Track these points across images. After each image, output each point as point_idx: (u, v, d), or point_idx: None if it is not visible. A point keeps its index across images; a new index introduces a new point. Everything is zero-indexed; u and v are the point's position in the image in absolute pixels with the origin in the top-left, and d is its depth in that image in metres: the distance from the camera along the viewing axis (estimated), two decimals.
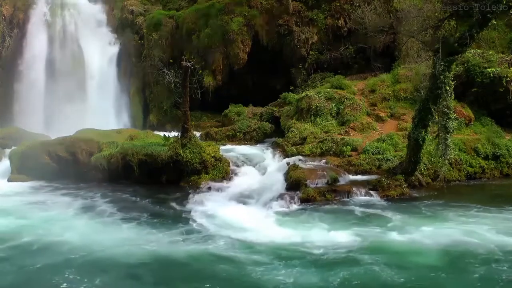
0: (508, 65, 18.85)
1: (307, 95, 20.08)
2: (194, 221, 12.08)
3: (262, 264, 9.21)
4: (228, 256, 9.61)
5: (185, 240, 10.69)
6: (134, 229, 11.57)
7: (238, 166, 16.83)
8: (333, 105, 19.69)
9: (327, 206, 13.10)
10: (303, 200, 13.56)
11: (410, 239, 10.39)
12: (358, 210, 12.71)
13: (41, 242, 10.47)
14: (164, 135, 18.18)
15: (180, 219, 12.33)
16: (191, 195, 14.37)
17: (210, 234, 11.01)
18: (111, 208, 13.33)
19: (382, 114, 19.29)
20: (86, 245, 10.24)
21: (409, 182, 14.56)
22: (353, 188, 14.16)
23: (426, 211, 12.48)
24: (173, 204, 13.75)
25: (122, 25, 28.96)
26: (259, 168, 16.60)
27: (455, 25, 13.10)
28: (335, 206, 13.10)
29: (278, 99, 22.86)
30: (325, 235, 10.74)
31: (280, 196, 13.81)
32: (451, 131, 13.30)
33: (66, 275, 8.72)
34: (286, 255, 9.60)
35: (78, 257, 9.59)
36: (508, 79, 17.93)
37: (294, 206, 13.27)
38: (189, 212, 12.88)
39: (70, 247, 10.15)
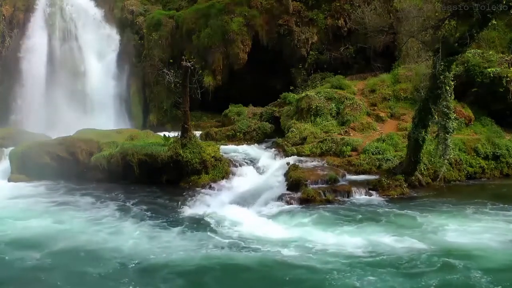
0: (508, 65, 18.84)
1: (307, 95, 20.08)
2: (194, 222, 12.09)
3: (263, 262, 9.23)
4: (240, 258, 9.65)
5: (185, 239, 10.70)
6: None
7: (238, 166, 16.82)
8: (333, 105, 19.68)
9: (327, 206, 13.07)
10: (303, 200, 13.55)
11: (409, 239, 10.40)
12: (358, 210, 12.68)
13: (88, 246, 10.29)
14: (164, 135, 18.19)
15: (181, 220, 12.34)
16: (190, 195, 14.40)
17: (210, 235, 11.01)
18: (141, 210, 13.30)
19: (382, 114, 19.28)
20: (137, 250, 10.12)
21: (409, 182, 14.57)
22: (353, 188, 14.16)
23: (425, 210, 12.46)
24: (175, 204, 13.77)
25: (122, 25, 28.94)
26: (259, 168, 16.60)
27: (455, 25, 13.08)
28: (335, 206, 13.08)
29: (278, 99, 22.86)
30: (324, 235, 10.73)
31: (280, 196, 13.81)
32: (451, 131, 13.29)
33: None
34: (286, 254, 9.64)
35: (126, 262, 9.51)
36: (508, 79, 17.92)
37: (294, 206, 13.25)
38: (189, 212, 12.90)
39: (117, 250, 10.05)
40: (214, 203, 13.48)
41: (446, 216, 11.90)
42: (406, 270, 8.82)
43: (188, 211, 13.03)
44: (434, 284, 8.25)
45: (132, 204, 13.84)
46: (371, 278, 8.51)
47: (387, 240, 10.36)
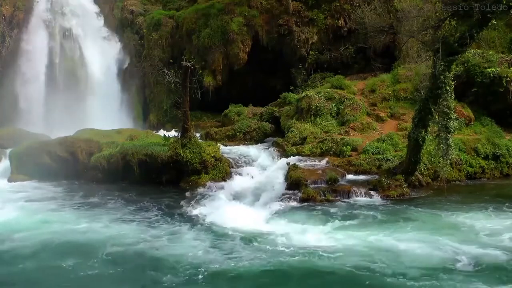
0: (508, 65, 18.84)
1: (307, 95, 20.08)
2: (194, 222, 12.08)
3: (263, 260, 9.21)
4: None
5: (185, 240, 10.70)
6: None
7: (238, 166, 16.83)
8: (333, 105, 19.68)
9: (327, 206, 13.06)
10: (303, 200, 13.56)
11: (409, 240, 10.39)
12: (358, 210, 12.66)
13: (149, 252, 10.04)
14: (164, 135, 18.21)
15: (181, 221, 12.33)
16: (190, 196, 14.39)
17: (211, 235, 10.99)
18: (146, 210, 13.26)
19: (382, 114, 19.28)
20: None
21: (409, 182, 14.56)
22: (353, 188, 14.15)
23: (425, 211, 12.48)
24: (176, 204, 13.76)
25: (122, 25, 28.98)
26: (259, 168, 16.60)
27: (455, 25, 13.07)
28: (335, 206, 13.06)
29: (278, 99, 22.86)
30: (324, 235, 10.73)
31: (280, 196, 13.81)
32: (452, 131, 13.28)
33: None
34: (287, 254, 9.63)
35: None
36: (508, 79, 17.92)
37: (294, 206, 13.25)
38: (188, 212, 12.90)
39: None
40: (214, 203, 13.46)
41: (457, 215, 11.94)
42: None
43: (188, 211, 13.01)
44: None
45: (135, 204, 13.81)
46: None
47: (386, 239, 10.34)
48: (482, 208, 12.46)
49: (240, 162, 17.17)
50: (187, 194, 14.63)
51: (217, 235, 10.96)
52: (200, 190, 15.00)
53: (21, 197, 14.85)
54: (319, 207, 12.97)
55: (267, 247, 10.07)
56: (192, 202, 13.67)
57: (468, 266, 8.88)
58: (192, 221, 12.08)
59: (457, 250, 9.60)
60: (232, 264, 9.21)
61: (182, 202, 13.77)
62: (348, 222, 11.67)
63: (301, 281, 8.62)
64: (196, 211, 12.92)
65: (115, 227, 11.71)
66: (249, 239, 10.53)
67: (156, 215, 12.71)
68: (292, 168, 15.20)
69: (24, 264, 9.45)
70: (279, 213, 12.61)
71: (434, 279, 8.30)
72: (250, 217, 12.11)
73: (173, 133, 18.64)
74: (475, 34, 12.79)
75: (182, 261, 9.38)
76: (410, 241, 10.17)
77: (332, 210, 12.72)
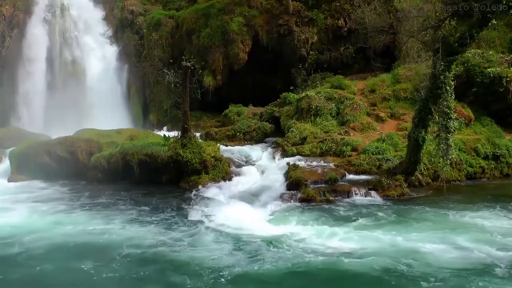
0: (508, 65, 18.84)
1: (307, 95, 20.08)
2: (194, 222, 12.07)
3: (286, 262, 9.22)
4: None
5: (187, 240, 10.69)
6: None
7: (238, 166, 16.83)
8: (333, 105, 19.68)
9: (327, 206, 13.07)
10: (303, 200, 13.56)
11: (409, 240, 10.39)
12: (364, 210, 12.65)
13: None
14: (164, 135, 18.20)
15: (182, 221, 12.31)
16: (190, 196, 14.39)
17: (211, 236, 10.99)
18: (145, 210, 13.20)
19: (382, 114, 19.28)
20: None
21: (409, 182, 14.57)
22: (353, 188, 14.15)
23: (426, 211, 12.47)
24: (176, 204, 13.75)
25: (122, 25, 28.98)
26: (259, 168, 16.59)
27: (455, 25, 13.07)
28: (335, 206, 13.07)
29: (278, 99, 22.87)
30: (325, 235, 10.71)
31: (280, 196, 13.82)
32: (452, 131, 13.28)
33: None
34: (288, 253, 9.64)
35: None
36: (508, 79, 17.92)
37: (294, 206, 13.24)
38: (195, 214, 12.84)
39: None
40: (214, 203, 13.46)
41: (465, 214, 11.94)
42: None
43: (188, 211, 13.01)
44: None
45: (145, 205, 13.69)
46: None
47: (404, 239, 10.31)
48: (489, 208, 12.45)
49: (240, 162, 17.18)
50: (192, 195, 14.55)
51: (217, 236, 10.93)
52: (200, 190, 15.02)
53: (28, 198, 14.72)
54: (319, 207, 12.96)
55: (287, 249, 9.94)
56: (196, 203, 13.65)
57: (500, 268, 8.68)
58: (201, 223, 11.93)
59: (479, 250, 9.51)
60: (256, 267, 9.05)
61: (190, 203, 13.71)
62: (358, 223, 11.56)
63: (331, 285, 8.47)
64: (200, 212, 12.83)
65: (131, 228, 11.50)
66: (267, 242, 10.37)
67: (171, 216, 12.53)
68: (292, 168, 15.21)
69: (41, 266, 9.25)
70: (279, 213, 12.60)
71: (468, 282, 8.13)
72: (250, 217, 12.12)
73: (173, 133, 18.62)
74: (475, 34, 12.79)
75: (203, 263, 9.22)
76: (429, 241, 10.07)
77: (337, 210, 12.71)
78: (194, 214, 12.66)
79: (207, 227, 11.55)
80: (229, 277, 8.66)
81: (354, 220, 11.75)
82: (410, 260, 9.09)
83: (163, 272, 8.99)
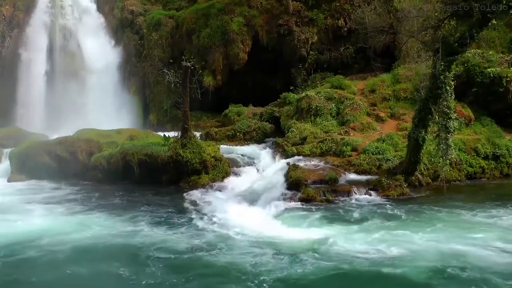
0: (508, 65, 18.85)
1: (307, 95, 20.08)
2: (194, 222, 12.08)
3: (267, 261, 9.21)
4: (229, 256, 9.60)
5: (186, 241, 10.69)
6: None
7: (238, 166, 16.84)
8: (333, 105, 19.68)
9: (327, 206, 13.07)
10: (303, 200, 13.56)
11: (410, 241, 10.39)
12: (358, 210, 12.64)
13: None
14: (164, 135, 18.21)
15: (183, 221, 12.31)
16: (190, 196, 14.39)
17: (211, 235, 11.00)
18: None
19: (382, 114, 19.28)
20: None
21: (409, 182, 14.56)
22: (353, 188, 14.15)
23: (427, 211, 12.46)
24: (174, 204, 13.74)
25: (122, 25, 28.97)
26: (259, 168, 16.60)
27: (455, 25, 13.08)
28: (335, 206, 13.07)
29: (278, 99, 22.86)
30: (324, 235, 10.70)
31: (280, 196, 13.82)
32: (452, 131, 13.28)
33: None
34: (289, 253, 9.63)
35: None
36: (508, 79, 17.92)
37: (294, 206, 13.24)
38: (188, 213, 12.87)
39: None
40: (214, 204, 13.47)
41: (476, 213, 11.90)
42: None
43: (188, 211, 13.02)
44: None
45: (163, 207, 13.54)
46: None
47: (429, 239, 10.26)
48: (497, 206, 12.38)
49: (240, 162, 17.18)
50: (197, 195, 14.52)
51: (218, 236, 10.91)
52: (200, 190, 15.03)
53: (41, 199, 14.46)
54: (319, 207, 12.94)
55: (269, 247, 9.95)
56: (192, 203, 13.65)
57: None
58: (193, 221, 11.99)
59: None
60: (234, 266, 8.97)
61: (182, 203, 13.70)
62: (370, 222, 11.45)
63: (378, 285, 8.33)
64: (195, 211, 12.87)
65: (159, 232, 11.18)
66: (250, 239, 10.37)
67: (199, 219, 12.25)
68: (292, 168, 15.21)
69: (73, 270, 9.00)
70: (279, 213, 12.59)
71: None
72: (250, 217, 12.13)
73: (173, 133, 18.62)
74: (475, 34, 12.80)
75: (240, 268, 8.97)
76: (457, 241, 9.87)
77: (332, 209, 12.68)
78: (190, 214, 12.67)
79: (213, 230, 11.35)
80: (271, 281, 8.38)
81: (366, 220, 11.60)
82: (446, 260, 8.86)
83: (197, 277, 8.68)
